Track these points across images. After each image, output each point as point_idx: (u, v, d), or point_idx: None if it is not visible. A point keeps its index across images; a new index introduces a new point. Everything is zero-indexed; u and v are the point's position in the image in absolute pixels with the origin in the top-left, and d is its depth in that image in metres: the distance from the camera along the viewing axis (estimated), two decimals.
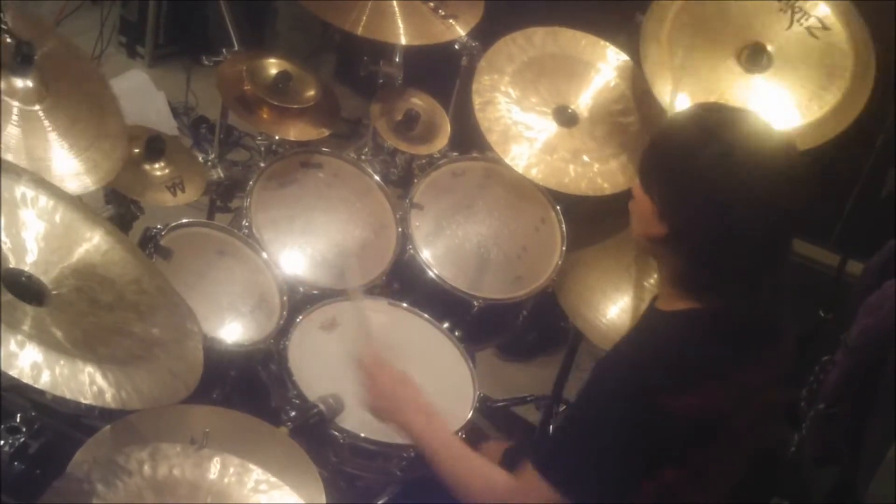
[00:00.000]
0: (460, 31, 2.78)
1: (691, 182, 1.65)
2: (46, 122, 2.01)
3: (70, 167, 2.00)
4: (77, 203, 1.85)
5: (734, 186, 1.62)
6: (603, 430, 1.66)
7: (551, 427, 3.01)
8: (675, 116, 1.88)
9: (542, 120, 2.69)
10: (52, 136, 2.00)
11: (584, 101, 2.75)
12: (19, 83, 2.00)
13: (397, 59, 2.89)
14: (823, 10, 2.59)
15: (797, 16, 2.57)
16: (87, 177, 2.02)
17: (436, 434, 1.90)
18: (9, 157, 1.88)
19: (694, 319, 1.71)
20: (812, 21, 2.57)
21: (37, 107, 2.02)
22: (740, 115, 1.73)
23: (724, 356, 1.69)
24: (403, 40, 2.73)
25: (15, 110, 1.97)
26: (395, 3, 2.74)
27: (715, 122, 1.68)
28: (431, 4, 2.77)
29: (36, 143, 1.98)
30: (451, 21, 2.77)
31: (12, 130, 1.95)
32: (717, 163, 1.63)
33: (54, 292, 1.69)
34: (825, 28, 2.57)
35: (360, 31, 2.68)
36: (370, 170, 2.71)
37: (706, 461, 1.72)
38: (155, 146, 2.41)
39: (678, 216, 1.69)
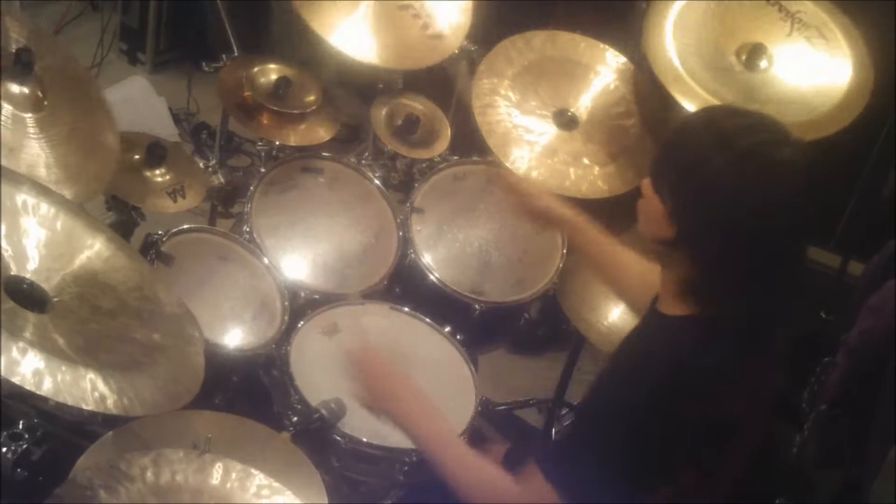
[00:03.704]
0: (451, 49, 2.80)
1: (704, 187, 1.64)
2: (39, 131, 2.02)
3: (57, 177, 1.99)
4: (78, 210, 1.86)
5: (747, 193, 1.61)
6: (616, 437, 1.65)
7: (555, 431, 3.01)
8: (689, 118, 1.84)
9: (543, 123, 2.70)
10: (43, 146, 2.00)
11: (583, 103, 2.75)
12: (17, 90, 2.01)
13: None
14: (822, 21, 2.60)
15: (796, 25, 2.58)
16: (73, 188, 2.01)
17: (438, 434, 1.82)
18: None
19: (699, 326, 1.70)
20: (811, 31, 2.58)
21: (30, 114, 2.02)
22: (756, 119, 1.71)
23: (732, 363, 1.69)
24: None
25: (10, 116, 1.98)
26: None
27: (730, 127, 1.66)
28: (420, 23, 2.78)
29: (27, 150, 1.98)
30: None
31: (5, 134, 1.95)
32: (731, 169, 1.61)
33: (56, 299, 1.70)
34: (824, 38, 2.58)
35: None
36: (371, 174, 2.71)
37: (718, 463, 1.73)
38: (156, 152, 2.42)
39: (689, 220, 1.67)
